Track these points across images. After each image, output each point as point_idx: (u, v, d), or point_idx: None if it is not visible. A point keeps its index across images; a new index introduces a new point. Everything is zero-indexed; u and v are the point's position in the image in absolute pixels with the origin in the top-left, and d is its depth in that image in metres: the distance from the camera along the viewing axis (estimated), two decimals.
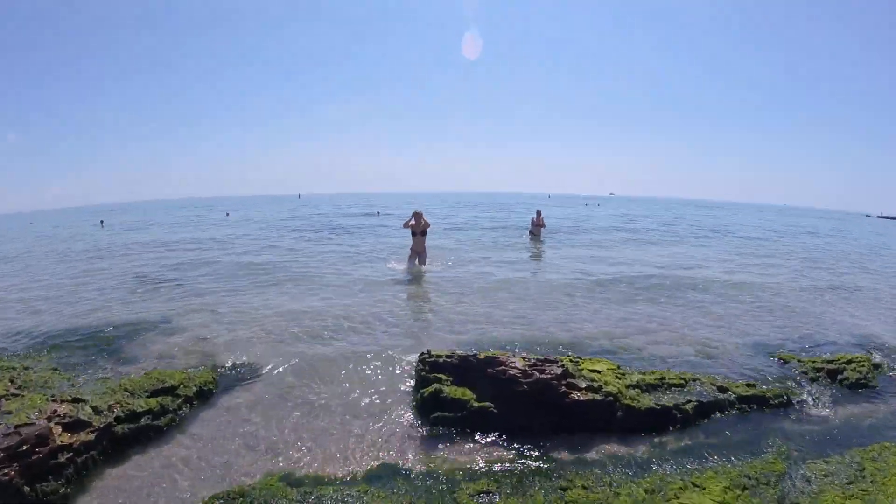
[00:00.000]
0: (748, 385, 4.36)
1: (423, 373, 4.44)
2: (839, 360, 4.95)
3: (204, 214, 34.08)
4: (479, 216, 31.23)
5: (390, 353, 5.27)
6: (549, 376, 3.99)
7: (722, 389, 4.26)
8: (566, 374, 4.06)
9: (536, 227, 17.50)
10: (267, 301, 7.74)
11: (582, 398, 3.91)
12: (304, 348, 5.51)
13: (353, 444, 3.64)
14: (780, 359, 5.19)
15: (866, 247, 20.32)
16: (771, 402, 4.20)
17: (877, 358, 5.25)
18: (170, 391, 4.14)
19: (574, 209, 44.45)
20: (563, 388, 3.96)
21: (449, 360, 4.36)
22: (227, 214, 30.20)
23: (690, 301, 8.13)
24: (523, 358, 4.20)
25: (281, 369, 4.90)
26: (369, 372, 4.85)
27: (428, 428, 3.87)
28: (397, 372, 4.85)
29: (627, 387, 4.12)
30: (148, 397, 3.98)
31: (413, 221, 10.51)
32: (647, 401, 4.01)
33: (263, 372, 4.86)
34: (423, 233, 10.08)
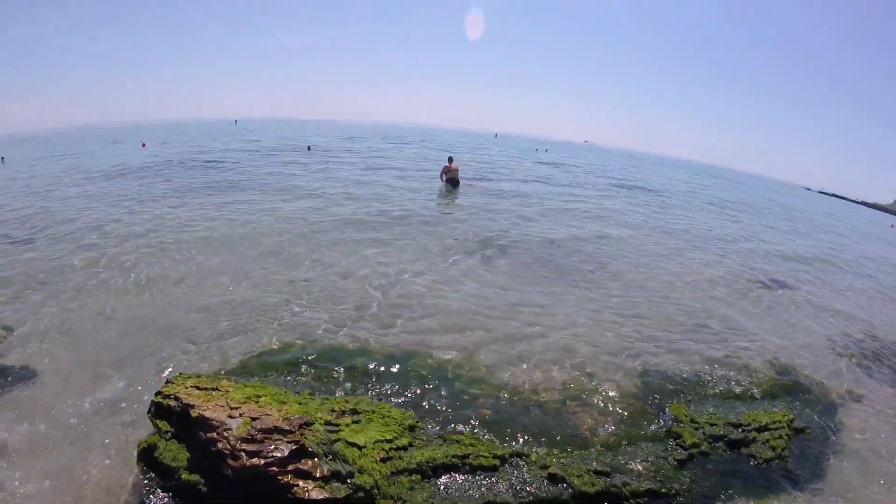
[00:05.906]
0: (597, 473, 2.85)
1: (149, 415, 3.24)
2: (748, 423, 3.30)
3: (117, 145, 29.02)
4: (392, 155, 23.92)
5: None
6: (265, 461, 2.63)
7: (554, 479, 2.79)
8: (299, 453, 2.69)
9: (450, 178, 13.57)
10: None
11: (312, 495, 2.58)
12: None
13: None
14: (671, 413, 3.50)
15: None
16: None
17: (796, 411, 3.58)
18: None
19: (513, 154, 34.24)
20: (288, 479, 2.62)
21: (172, 404, 3.08)
22: (143, 145, 26.86)
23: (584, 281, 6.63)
24: (252, 420, 2.83)
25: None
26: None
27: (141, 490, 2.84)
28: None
29: (397, 472, 2.74)
30: None
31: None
32: (420, 499, 2.64)
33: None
34: None
